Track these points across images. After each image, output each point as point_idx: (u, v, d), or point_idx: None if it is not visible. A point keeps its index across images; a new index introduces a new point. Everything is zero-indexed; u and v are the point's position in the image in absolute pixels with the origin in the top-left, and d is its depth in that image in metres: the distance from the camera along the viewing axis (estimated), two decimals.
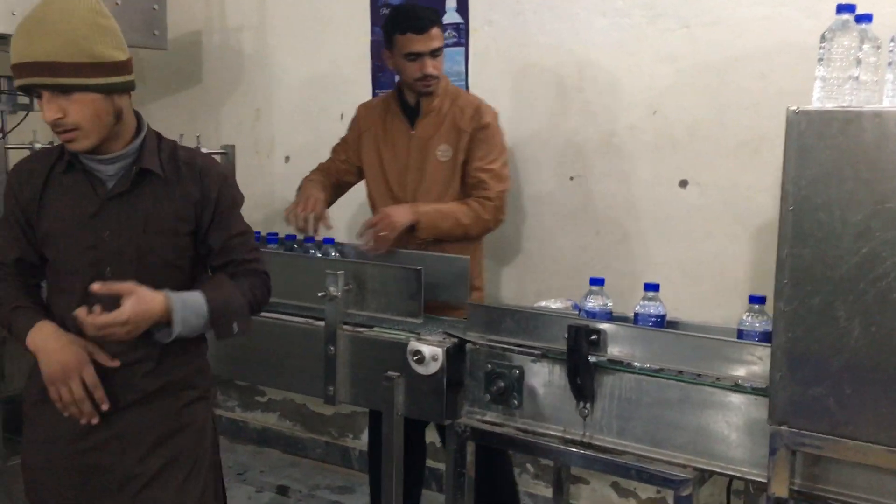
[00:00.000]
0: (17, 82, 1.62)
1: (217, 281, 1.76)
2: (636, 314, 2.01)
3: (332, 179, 2.90)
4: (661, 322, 1.98)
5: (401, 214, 2.59)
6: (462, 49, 3.40)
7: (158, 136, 1.82)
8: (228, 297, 1.71)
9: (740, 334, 1.92)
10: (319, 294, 2.17)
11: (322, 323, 2.21)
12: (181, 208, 1.73)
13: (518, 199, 3.31)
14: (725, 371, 1.82)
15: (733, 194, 2.87)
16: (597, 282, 2.11)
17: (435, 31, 2.67)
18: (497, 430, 2.07)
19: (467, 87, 3.38)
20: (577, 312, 2.15)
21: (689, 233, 2.97)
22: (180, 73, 4.18)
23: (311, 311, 2.28)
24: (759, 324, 1.91)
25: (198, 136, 2.94)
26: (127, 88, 1.69)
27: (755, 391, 1.77)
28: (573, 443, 1.97)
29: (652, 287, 2.01)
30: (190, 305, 1.65)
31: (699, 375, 1.84)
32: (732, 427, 1.79)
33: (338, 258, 2.47)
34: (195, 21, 4.11)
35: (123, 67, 1.66)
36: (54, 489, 1.76)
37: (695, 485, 1.80)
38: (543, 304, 2.24)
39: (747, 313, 1.95)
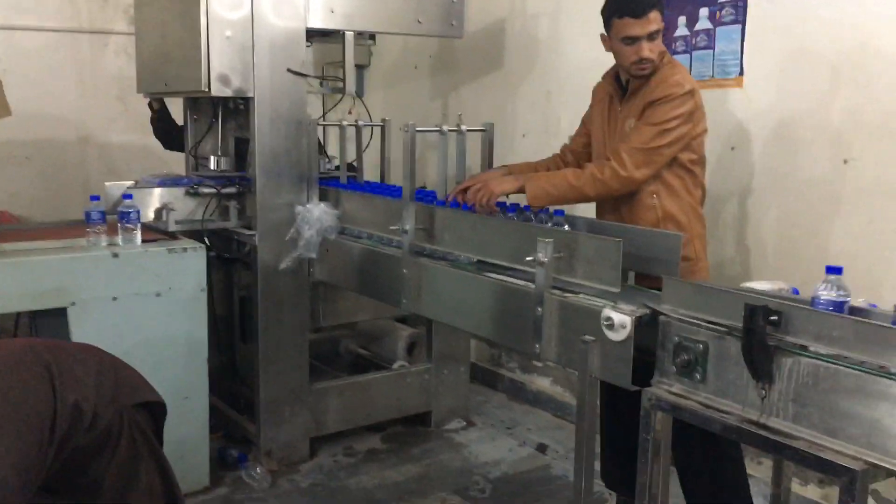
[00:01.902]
0: None
1: None
2: (813, 298, 1.92)
3: (568, 158, 3.08)
4: (841, 307, 1.86)
5: (501, 183, 2.73)
6: (738, 27, 3.32)
7: None
8: None
9: None
10: (528, 258, 2.38)
11: (533, 285, 2.41)
12: None
13: (785, 181, 3.18)
14: None
15: None
16: (834, 270, 2.01)
17: (653, 14, 2.66)
18: (682, 401, 2.11)
19: (741, 66, 3.31)
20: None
21: None
22: (486, 58, 4.58)
23: (523, 274, 2.50)
24: None
25: (459, 115, 3.26)
26: None
27: None
28: (749, 422, 1.95)
29: (834, 270, 1.90)
30: None
31: (882, 367, 1.73)
32: None
33: (550, 227, 2.62)
34: (500, 10, 4.48)
35: None
36: None
37: (863, 478, 1.70)
38: (751, 284, 2.21)
39: None
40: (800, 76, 3.11)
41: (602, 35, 2.84)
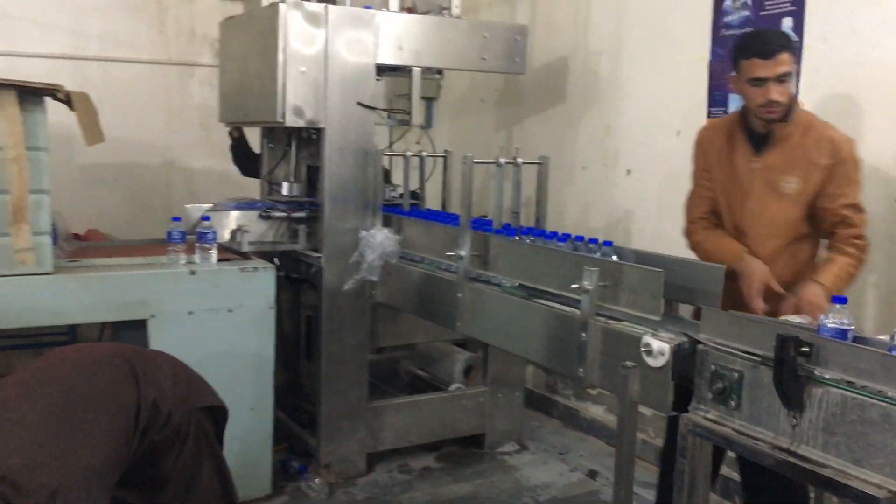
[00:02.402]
0: None
1: None
2: (819, 325, 2.01)
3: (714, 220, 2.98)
4: (844, 335, 1.96)
5: (822, 300, 2.58)
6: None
7: None
8: None
9: None
10: (573, 286, 2.50)
11: (578, 311, 2.53)
12: None
13: None
14: None
15: None
16: (839, 300, 2.11)
17: (783, 56, 2.62)
18: (717, 428, 2.19)
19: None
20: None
21: None
22: (549, 92, 4.73)
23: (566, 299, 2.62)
24: None
25: (516, 148, 3.41)
26: None
27: None
28: (780, 449, 2.02)
29: (839, 300, 2.01)
30: None
31: None
32: None
33: (597, 257, 2.72)
34: (563, 47, 4.63)
35: None
36: None
37: None
38: (785, 317, 2.29)
39: None
40: (856, 117, 3.17)
41: (730, 76, 2.82)
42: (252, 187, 4.69)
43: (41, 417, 1.84)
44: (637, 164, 4.19)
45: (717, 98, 3.75)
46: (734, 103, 3.45)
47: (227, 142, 4.77)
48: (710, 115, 3.74)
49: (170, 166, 5.48)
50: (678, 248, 3.08)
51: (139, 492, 2.16)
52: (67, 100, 3.12)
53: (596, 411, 4.55)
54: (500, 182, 3.29)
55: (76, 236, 4.12)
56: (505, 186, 3.33)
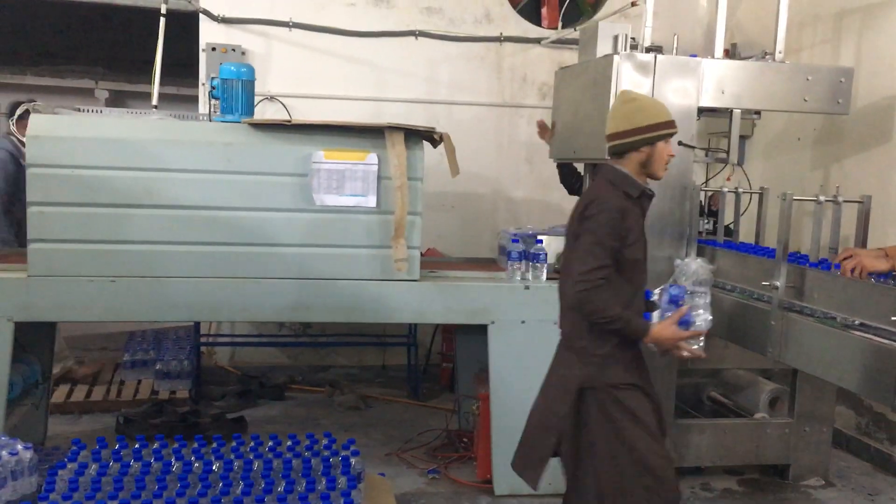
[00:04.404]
0: None
1: None
2: None
3: None
4: None
5: (874, 261, 2.74)
6: None
7: None
8: None
9: None
10: (893, 318, 2.63)
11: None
12: None
13: None
14: None
15: None
16: None
17: None
18: None
19: None
20: None
21: None
22: (873, 132, 4.70)
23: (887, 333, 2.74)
24: None
25: (837, 187, 3.52)
26: None
27: None
28: None
29: None
30: None
31: None
32: None
33: None
34: (890, 87, 4.59)
35: None
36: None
37: None
38: None
39: None
40: None
41: None
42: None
43: None
44: None
45: None
46: None
47: (547, 174, 5.31)
48: None
49: (497, 195, 6.19)
50: None
51: None
52: (440, 139, 3.83)
53: None
54: (819, 219, 3.44)
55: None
56: (822, 224, 3.47)
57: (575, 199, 5.09)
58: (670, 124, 2.85)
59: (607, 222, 2.73)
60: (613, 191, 2.81)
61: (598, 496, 2.78)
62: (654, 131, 2.82)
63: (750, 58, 4.22)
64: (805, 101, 4.07)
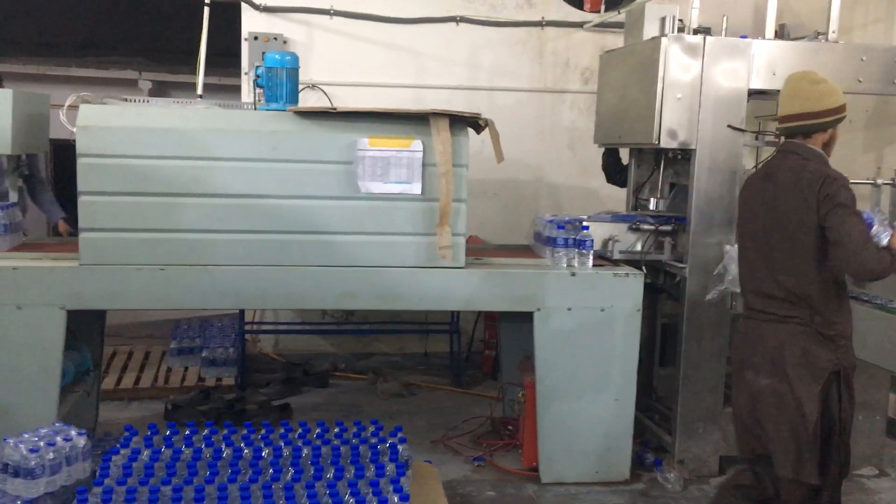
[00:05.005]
0: None
1: None
2: None
3: None
4: None
5: None
6: None
7: None
8: None
9: None
10: None
11: None
12: None
13: None
14: None
15: None
16: None
17: None
18: None
19: None
20: None
21: None
22: None
23: None
24: None
25: (895, 170, 3.43)
26: None
27: None
28: None
29: None
30: None
31: None
32: None
33: None
34: None
35: None
36: None
37: None
38: None
39: None
40: None
41: None
42: (610, 202, 5.12)
43: None
44: None
45: None
46: None
47: (590, 160, 5.25)
48: None
49: (539, 181, 6.14)
50: None
51: None
52: (485, 125, 3.79)
53: None
54: (877, 203, 3.36)
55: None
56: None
57: (614, 188, 5.08)
58: (845, 108, 2.95)
59: (852, 195, 2.81)
60: (830, 167, 2.88)
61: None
62: (840, 113, 2.92)
63: (801, 38, 4.11)
64: (859, 81, 3.96)
